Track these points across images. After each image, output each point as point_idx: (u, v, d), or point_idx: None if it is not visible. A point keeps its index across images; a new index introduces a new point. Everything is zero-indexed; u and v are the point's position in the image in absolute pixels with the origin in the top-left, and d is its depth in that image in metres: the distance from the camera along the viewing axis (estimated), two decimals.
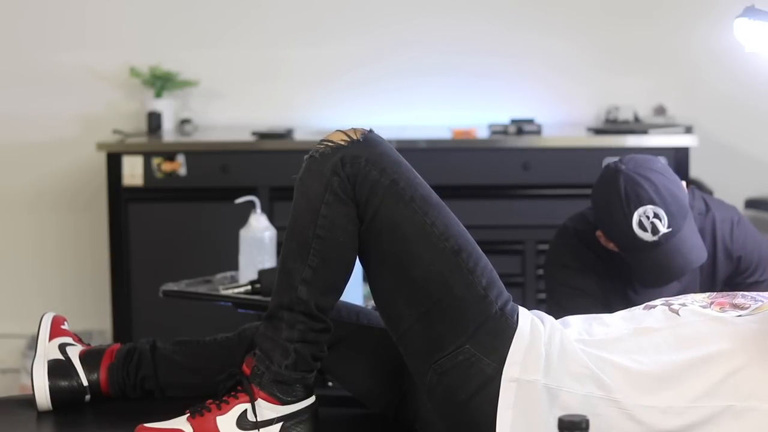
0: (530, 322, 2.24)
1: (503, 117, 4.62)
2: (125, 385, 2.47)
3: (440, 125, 4.65)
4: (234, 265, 3.30)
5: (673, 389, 2.14)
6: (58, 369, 2.42)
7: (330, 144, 2.24)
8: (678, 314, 2.23)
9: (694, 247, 2.80)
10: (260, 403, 2.23)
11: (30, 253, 4.95)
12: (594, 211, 2.90)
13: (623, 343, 2.21)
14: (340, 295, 2.30)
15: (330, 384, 3.28)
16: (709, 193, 4.54)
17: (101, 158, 4.49)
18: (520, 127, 4.48)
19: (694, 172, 4.46)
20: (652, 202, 2.77)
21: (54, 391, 2.40)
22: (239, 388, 2.27)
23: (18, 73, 4.87)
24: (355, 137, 2.23)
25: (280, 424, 2.24)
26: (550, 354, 2.19)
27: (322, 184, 2.21)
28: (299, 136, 4.57)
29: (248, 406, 2.24)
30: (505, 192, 4.38)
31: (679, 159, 4.31)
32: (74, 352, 2.45)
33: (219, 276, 3.34)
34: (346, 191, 2.20)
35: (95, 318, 4.81)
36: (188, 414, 2.26)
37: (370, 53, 4.84)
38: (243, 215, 3.28)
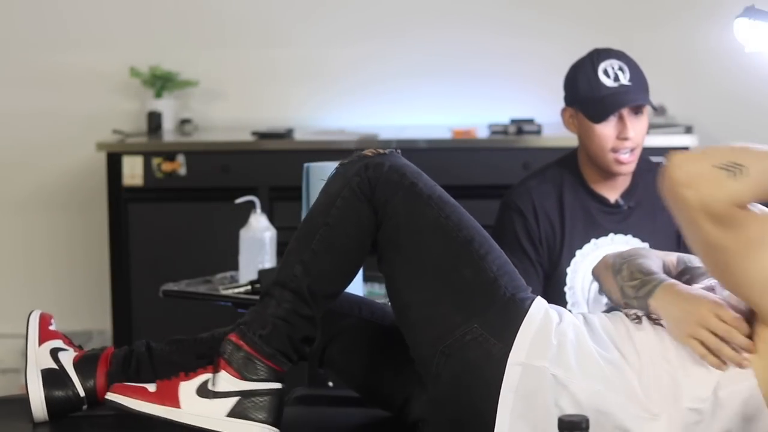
0: (544, 311, 2.26)
1: (503, 117, 4.62)
2: None
3: (440, 125, 4.65)
4: (234, 265, 3.30)
5: (669, 401, 2.16)
6: (53, 379, 2.38)
7: (359, 154, 2.35)
8: (662, 326, 2.25)
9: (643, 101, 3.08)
10: (222, 374, 2.26)
11: (30, 252, 4.95)
12: (565, 90, 3.16)
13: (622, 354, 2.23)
14: (335, 290, 2.34)
15: (330, 384, 3.28)
16: None
17: (101, 158, 4.49)
18: (520, 127, 4.48)
19: None
20: (620, 59, 3.07)
21: (50, 403, 2.37)
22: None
23: (18, 73, 4.87)
24: (382, 151, 2.36)
25: (237, 398, 2.26)
26: (563, 345, 2.20)
27: (342, 183, 2.31)
28: (299, 136, 4.57)
29: (212, 375, 2.27)
30: (505, 192, 4.38)
31: None
32: (67, 359, 2.41)
33: (219, 276, 3.34)
34: (364, 191, 2.29)
35: (95, 318, 4.81)
36: (159, 378, 2.32)
37: (371, 54, 4.84)
38: (243, 215, 3.28)
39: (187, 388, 2.27)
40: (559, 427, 1.72)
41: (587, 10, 4.77)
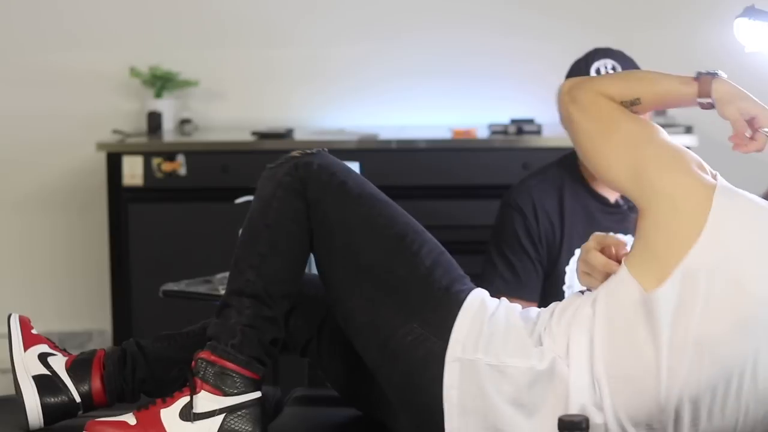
0: (480, 302, 2.26)
1: (503, 117, 4.62)
2: (123, 391, 2.43)
3: (440, 125, 4.65)
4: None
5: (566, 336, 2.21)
6: (47, 386, 2.35)
7: (286, 156, 2.37)
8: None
9: None
10: (202, 394, 2.25)
11: (29, 253, 4.95)
12: None
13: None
14: (290, 289, 2.33)
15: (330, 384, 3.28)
16: None
17: (101, 158, 4.49)
18: (520, 127, 4.48)
19: None
20: (615, 59, 3.04)
21: (46, 410, 2.34)
22: (188, 383, 2.28)
23: (18, 73, 4.87)
24: (309, 151, 2.37)
25: (223, 415, 2.24)
26: (494, 333, 2.21)
27: (274, 184, 2.33)
28: (299, 136, 4.57)
29: (191, 398, 2.25)
30: (505, 192, 4.38)
31: None
32: (59, 365, 2.38)
33: (219, 276, 3.34)
34: (296, 189, 2.31)
35: (95, 318, 4.81)
36: (136, 408, 2.28)
37: (371, 54, 4.84)
38: (243, 215, 3.27)
39: (169, 414, 2.25)
40: (559, 427, 1.73)
41: (588, 10, 4.77)
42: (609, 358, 2.12)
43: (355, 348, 2.32)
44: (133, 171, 4.40)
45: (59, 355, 2.41)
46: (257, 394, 2.28)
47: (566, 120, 2.27)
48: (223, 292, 3.11)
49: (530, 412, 2.14)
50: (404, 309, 2.24)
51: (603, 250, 2.26)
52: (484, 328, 2.21)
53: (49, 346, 2.43)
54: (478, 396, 2.17)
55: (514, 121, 4.54)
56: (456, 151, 4.44)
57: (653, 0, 4.81)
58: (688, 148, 4.55)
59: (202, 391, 2.25)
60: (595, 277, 2.25)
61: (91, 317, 4.82)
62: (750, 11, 2.71)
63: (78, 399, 2.37)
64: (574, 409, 2.12)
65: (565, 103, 2.26)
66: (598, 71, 3.04)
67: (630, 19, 4.76)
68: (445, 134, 4.49)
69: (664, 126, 4.74)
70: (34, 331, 2.43)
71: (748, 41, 2.73)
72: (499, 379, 2.17)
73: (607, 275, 2.22)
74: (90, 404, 2.39)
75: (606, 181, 2.31)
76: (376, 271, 2.27)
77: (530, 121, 4.52)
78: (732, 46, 2.82)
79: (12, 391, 2.40)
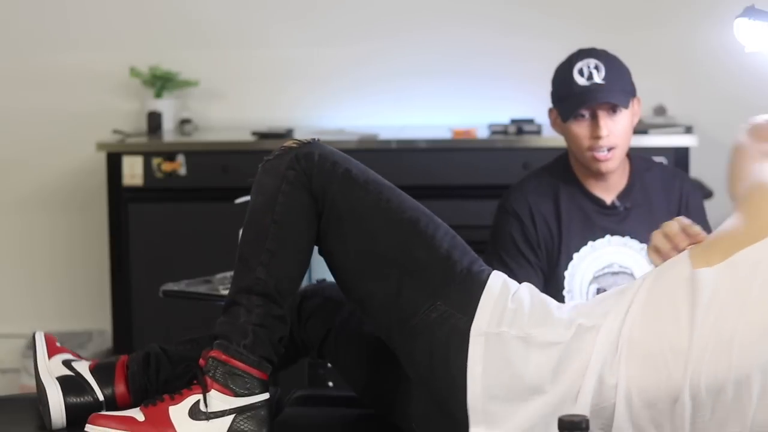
0: (502, 281, 2.30)
1: (503, 117, 4.62)
2: (147, 391, 2.41)
3: (440, 125, 4.65)
4: (234, 266, 3.29)
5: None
6: (71, 385, 2.35)
7: (283, 147, 2.36)
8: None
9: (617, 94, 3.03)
10: (213, 394, 2.23)
11: (29, 253, 4.95)
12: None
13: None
14: (296, 285, 2.33)
15: (330, 384, 3.28)
16: (710, 193, 4.54)
17: (101, 158, 4.49)
18: (520, 127, 4.48)
19: (694, 172, 4.45)
20: (599, 58, 3.02)
21: (70, 409, 2.33)
22: (196, 381, 2.27)
23: (18, 73, 4.87)
24: (305, 141, 2.36)
25: (233, 416, 2.23)
26: (518, 307, 2.24)
27: (278, 178, 2.32)
28: (299, 136, 4.55)
29: (201, 396, 2.23)
30: (504, 192, 4.38)
31: (679, 159, 4.30)
32: (83, 367, 2.39)
33: (219, 276, 3.34)
34: (302, 183, 2.30)
35: (95, 318, 4.81)
36: (143, 404, 2.26)
37: (371, 53, 4.84)
38: (243, 215, 3.28)
39: (178, 412, 2.23)
40: (559, 427, 1.73)
41: (587, 9, 4.77)
42: (640, 321, 2.15)
43: (375, 329, 2.32)
44: (133, 171, 4.40)
45: (83, 361, 2.42)
46: (266, 396, 2.26)
47: (736, 140, 2.47)
48: (223, 292, 3.14)
49: (555, 381, 2.15)
50: (427, 290, 2.25)
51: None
52: (509, 304, 2.24)
53: (73, 356, 2.43)
54: (503, 370, 2.18)
55: (514, 121, 4.54)
56: (456, 151, 4.44)
57: (653, 0, 4.81)
58: (687, 148, 4.59)
59: (213, 390, 2.23)
60: (664, 253, 2.33)
61: (91, 317, 4.82)
62: (750, 11, 2.70)
63: (102, 398, 2.36)
64: (594, 366, 2.14)
65: (745, 128, 2.47)
66: (580, 71, 3.02)
67: (630, 19, 4.76)
68: (445, 134, 4.49)
69: (663, 126, 4.77)
70: (58, 344, 2.44)
71: (748, 41, 2.73)
72: (526, 351, 2.18)
73: (674, 252, 2.32)
74: (114, 407, 2.37)
75: (729, 192, 2.42)
76: (394, 256, 2.28)
77: (530, 121, 4.52)
78: (732, 46, 2.82)
79: (12, 392, 2.40)
